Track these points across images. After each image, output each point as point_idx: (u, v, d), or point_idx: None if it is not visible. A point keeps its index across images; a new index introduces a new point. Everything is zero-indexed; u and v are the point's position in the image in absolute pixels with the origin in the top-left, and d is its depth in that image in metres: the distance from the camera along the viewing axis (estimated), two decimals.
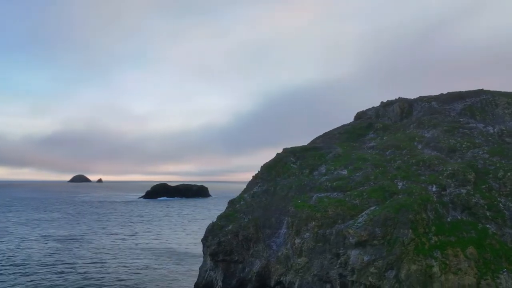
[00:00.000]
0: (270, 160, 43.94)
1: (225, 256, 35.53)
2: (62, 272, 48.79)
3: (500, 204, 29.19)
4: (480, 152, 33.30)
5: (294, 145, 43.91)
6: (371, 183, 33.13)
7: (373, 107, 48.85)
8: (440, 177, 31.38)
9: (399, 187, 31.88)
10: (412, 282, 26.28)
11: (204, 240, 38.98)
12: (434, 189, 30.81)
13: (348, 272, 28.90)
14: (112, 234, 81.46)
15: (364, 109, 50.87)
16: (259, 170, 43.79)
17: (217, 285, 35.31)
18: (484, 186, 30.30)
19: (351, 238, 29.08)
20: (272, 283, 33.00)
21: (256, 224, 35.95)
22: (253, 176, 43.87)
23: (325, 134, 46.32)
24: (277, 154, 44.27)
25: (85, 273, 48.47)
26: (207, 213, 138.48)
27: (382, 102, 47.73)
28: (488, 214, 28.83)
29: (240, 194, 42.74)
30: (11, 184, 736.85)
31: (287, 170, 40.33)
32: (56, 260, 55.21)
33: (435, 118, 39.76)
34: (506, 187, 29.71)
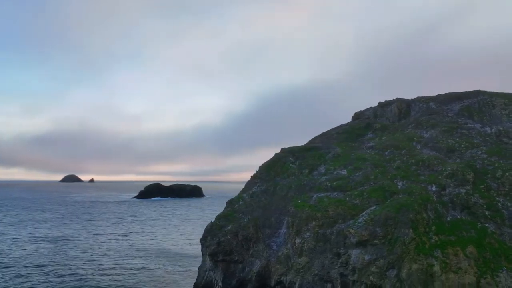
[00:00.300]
0: (268, 160, 43.87)
1: (224, 256, 35.39)
2: (57, 274, 48.13)
3: (499, 204, 29.53)
4: (479, 152, 33.67)
5: (289, 145, 43.98)
6: (371, 183, 33.27)
7: (371, 107, 49.08)
8: (440, 177, 31.64)
9: (399, 187, 32.06)
10: (413, 281, 26.43)
11: (203, 240, 38.78)
12: (433, 189, 31.05)
13: (349, 272, 28.98)
14: (106, 235, 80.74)
15: (360, 109, 51.09)
16: (258, 170, 43.68)
17: (216, 285, 35.16)
18: (482, 186, 30.64)
19: (352, 237, 29.16)
20: (273, 283, 32.95)
21: (256, 224, 35.87)
22: (251, 176, 43.74)
23: (324, 134, 46.43)
24: (276, 154, 44.21)
25: (81, 274, 47.90)
26: (201, 213, 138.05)
27: (379, 103, 47.97)
28: (487, 213, 29.14)
29: (238, 194, 42.61)
30: (0, 184, 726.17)
31: (286, 170, 40.32)
32: (50, 261, 54.49)
33: (433, 119, 40.10)
34: (505, 187, 30.07)
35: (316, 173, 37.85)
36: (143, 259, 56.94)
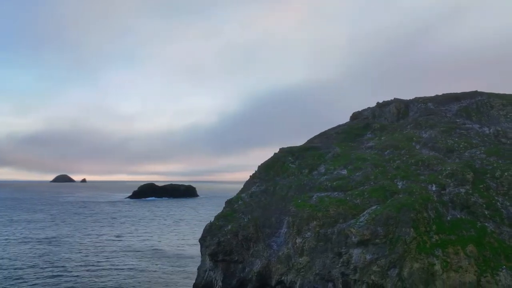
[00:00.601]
0: (267, 160, 43.84)
1: (224, 256, 35.28)
2: (53, 275, 47.59)
3: (498, 203, 29.87)
4: (477, 152, 34.03)
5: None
6: (372, 183, 33.42)
7: (369, 108, 49.32)
8: (440, 177, 31.90)
9: (399, 186, 32.25)
10: (415, 280, 26.61)
11: (202, 240, 38.61)
12: (433, 188, 31.29)
13: (351, 271, 29.06)
14: (100, 235, 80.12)
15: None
16: (257, 170, 43.61)
17: (217, 285, 35.03)
18: (482, 186, 30.97)
19: (353, 237, 29.26)
20: (273, 282, 32.93)
21: (256, 224, 35.80)
22: (250, 176, 43.66)
23: (322, 134, 46.54)
24: (275, 154, 44.20)
25: (78, 276, 47.38)
26: (195, 213, 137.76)
27: (378, 103, 48.23)
28: (486, 212, 29.45)
29: (237, 194, 42.48)
30: None
31: (286, 170, 40.33)
32: (45, 263, 53.83)
33: (432, 119, 40.44)
34: (504, 186, 30.42)
35: (316, 173, 37.92)
36: (139, 260, 56.57)
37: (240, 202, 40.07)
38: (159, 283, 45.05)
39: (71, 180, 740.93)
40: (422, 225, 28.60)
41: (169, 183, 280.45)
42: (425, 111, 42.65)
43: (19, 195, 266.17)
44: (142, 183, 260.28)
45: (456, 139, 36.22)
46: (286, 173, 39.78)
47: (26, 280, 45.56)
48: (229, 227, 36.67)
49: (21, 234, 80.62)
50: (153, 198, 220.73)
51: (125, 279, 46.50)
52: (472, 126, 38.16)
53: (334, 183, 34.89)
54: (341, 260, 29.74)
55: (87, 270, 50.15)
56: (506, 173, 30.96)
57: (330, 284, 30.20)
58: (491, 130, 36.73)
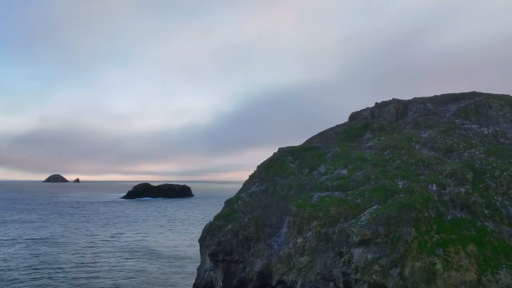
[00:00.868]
0: (267, 160, 43.87)
1: (225, 256, 35.21)
2: (50, 277, 47.03)
3: (497, 203, 30.14)
4: (477, 152, 34.34)
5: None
6: (372, 183, 33.56)
7: (367, 108, 49.58)
8: (440, 177, 32.12)
9: (400, 186, 32.41)
10: (416, 279, 26.75)
11: (201, 240, 38.51)
12: (434, 188, 31.48)
13: (352, 270, 29.15)
14: (96, 236, 79.53)
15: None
16: (256, 169, 43.61)
17: (217, 285, 34.96)
18: (481, 185, 31.23)
19: (354, 236, 29.34)
20: (274, 282, 32.93)
21: (256, 224, 35.78)
22: (250, 176, 43.64)
23: (321, 133, 46.67)
24: (274, 153, 44.25)
25: (75, 278, 46.84)
26: (191, 213, 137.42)
27: (376, 103, 48.50)
28: (486, 212, 29.70)
29: (236, 194, 42.43)
30: None
31: (286, 169, 40.35)
32: (40, 264, 53.18)
33: (431, 119, 40.73)
34: (503, 186, 30.72)
35: (316, 173, 37.99)
36: (136, 261, 56.23)
37: (239, 202, 40.02)
38: (158, 283, 44.82)
39: (64, 180, 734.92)
40: (423, 225, 28.76)
41: (163, 183, 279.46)
42: (424, 111, 42.96)
43: (11, 195, 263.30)
44: (137, 183, 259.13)
45: (455, 139, 36.53)
46: (286, 173, 39.82)
47: (23, 281, 45.08)
48: (229, 226, 36.61)
49: (16, 234, 79.75)
50: (148, 198, 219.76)
51: (123, 279, 46.19)
52: (471, 126, 38.51)
53: (335, 183, 34.98)
54: (342, 259, 29.81)
55: (84, 271, 49.69)
56: (505, 173, 31.27)
57: (331, 284, 30.26)
58: (490, 130, 37.10)
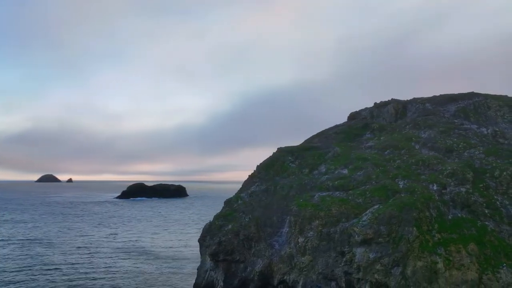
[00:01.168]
0: (266, 159, 43.84)
1: (226, 256, 35.09)
2: (47, 278, 46.38)
3: (497, 202, 30.42)
4: (476, 152, 34.63)
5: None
6: (373, 182, 33.69)
7: (367, 108, 49.76)
8: (440, 176, 32.33)
9: (401, 186, 32.58)
10: (418, 278, 26.88)
11: (201, 240, 38.34)
12: (435, 187, 31.69)
13: (354, 270, 29.21)
14: (92, 236, 78.83)
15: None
16: (256, 169, 43.55)
17: (218, 285, 34.82)
18: (481, 185, 31.50)
19: (356, 236, 29.41)
20: (275, 282, 32.89)
21: (257, 223, 35.72)
22: (249, 175, 43.58)
23: (321, 133, 46.75)
24: (274, 153, 44.23)
25: (74, 279, 46.23)
26: (187, 213, 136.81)
27: (375, 103, 48.68)
28: (486, 211, 29.96)
29: (236, 194, 42.35)
30: None
31: (286, 169, 40.35)
32: (37, 265, 52.45)
33: (430, 119, 41.00)
34: (503, 186, 31.01)
35: (317, 173, 38.04)
36: (134, 261, 55.80)
37: (239, 202, 39.92)
38: (157, 284, 44.50)
39: (56, 180, 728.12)
40: (425, 224, 28.93)
41: (158, 183, 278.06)
42: (423, 111, 43.23)
43: (3, 195, 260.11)
44: (131, 183, 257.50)
45: (455, 139, 36.80)
46: (286, 173, 39.81)
47: (20, 282, 44.49)
48: (230, 226, 36.49)
49: (10, 234, 78.76)
50: (143, 198, 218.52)
51: (121, 280, 45.80)
52: (470, 126, 38.84)
53: (336, 183, 35.05)
54: (344, 259, 29.86)
55: (82, 272, 49.17)
56: (504, 173, 31.57)
57: (333, 283, 30.30)
58: (489, 130, 37.44)
